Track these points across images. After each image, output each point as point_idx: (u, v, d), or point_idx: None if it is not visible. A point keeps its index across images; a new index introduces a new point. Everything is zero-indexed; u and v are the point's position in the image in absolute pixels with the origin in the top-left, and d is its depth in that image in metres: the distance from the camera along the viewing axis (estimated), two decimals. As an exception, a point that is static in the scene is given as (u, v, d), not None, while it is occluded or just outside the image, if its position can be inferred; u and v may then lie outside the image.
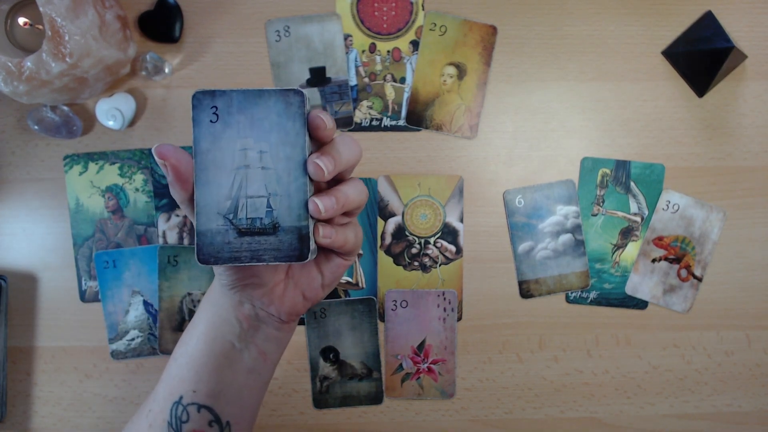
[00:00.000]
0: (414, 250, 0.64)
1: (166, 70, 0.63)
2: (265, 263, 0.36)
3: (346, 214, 0.40)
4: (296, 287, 0.42)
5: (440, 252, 0.64)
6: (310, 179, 0.36)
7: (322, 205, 0.35)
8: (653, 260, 0.64)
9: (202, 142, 0.35)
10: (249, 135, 0.35)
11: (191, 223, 0.63)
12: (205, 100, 0.35)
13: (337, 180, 0.39)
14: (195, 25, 0.64)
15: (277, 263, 0.36)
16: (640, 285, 0.64)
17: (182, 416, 0.41)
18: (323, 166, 0.35)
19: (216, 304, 0.42)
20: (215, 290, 0.42)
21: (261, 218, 0.36)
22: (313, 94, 0.64)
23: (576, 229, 0.64)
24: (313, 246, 0.36)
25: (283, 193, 0.36)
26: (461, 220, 0.65)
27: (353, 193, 0.38)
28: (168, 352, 0.64)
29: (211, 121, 0.35)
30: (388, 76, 0.65)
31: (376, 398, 0.64)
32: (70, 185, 0.64)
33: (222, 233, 0.36)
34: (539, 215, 0.64)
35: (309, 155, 0.36)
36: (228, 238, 0.36)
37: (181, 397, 0.41)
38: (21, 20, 0.60)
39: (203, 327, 0.42)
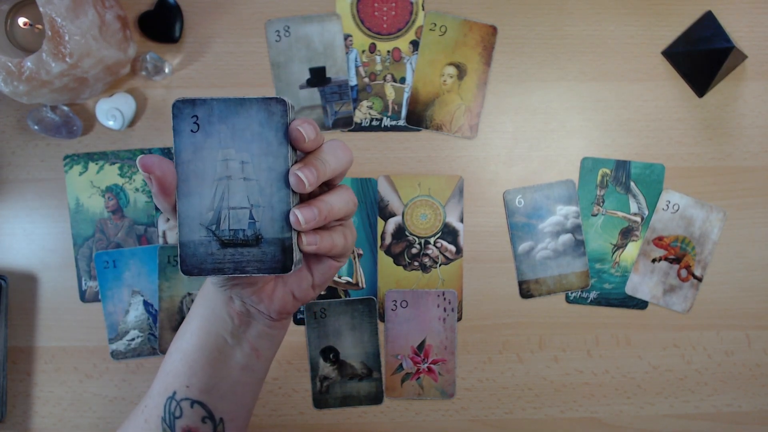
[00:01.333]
0: (414, 250, 0.64)
1: (166, 70, 0.63)
2: (248, 275, 0.35)
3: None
4: (286, 287, 0.42)
5: (440, 252, 0.64)
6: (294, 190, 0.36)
7: (302, 217, 0.35)
8: (653, 260, 0.64)
9: (183, 153, 0.35)
10: (230, 145, 0.35)
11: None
12: (185, 109, 0.35)
13: (329, 185, 0.39)
14: (195, 25, 0.64)
15: (261, 275, 0.36)
16: (640, 285, 0.64)
17: (175, 411, 0.41)
18: (304, 178, 0.34)
19: (209, 300, 0.42)
20: (207, 286, 0.43)
21: (244, 230, 0.35)
22: (313, 94, 0.64)
23: (576, 229, 0.64)
24: (297, 257, 0.36)
25: (265, 204, 0.35)
26: (461, 220, 0.64)
27: (338, 203, 0.37)
28: (168, 352, 0.64)
29: (191, 130, 0.35)
30: (388, 76, 0.65)
31: (376, 398, 0.64)
32: (70, 185, 0.64)
33: (205, 244, 0.35)
34: (539, 215, 0.64)
35: (292, 165, 0.35)
36: (211, 249, 0.35)
37: (174, 393, 0.41)
38: (21, 20, 0.60)
39: (197, 322, 0.42)
